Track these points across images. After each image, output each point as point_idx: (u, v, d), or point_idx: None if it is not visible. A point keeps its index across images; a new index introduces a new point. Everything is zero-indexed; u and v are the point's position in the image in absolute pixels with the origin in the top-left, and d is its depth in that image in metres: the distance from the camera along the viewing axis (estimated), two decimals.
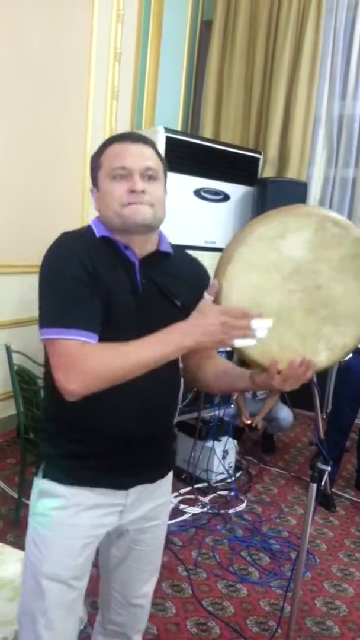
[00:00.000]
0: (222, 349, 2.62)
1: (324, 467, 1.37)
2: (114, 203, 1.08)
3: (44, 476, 1.15)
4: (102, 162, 1.11)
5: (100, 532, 1.18)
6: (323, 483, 1.40)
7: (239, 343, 1.01)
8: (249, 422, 3.29)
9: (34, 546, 1.15)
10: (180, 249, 1.24)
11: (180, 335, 1.01)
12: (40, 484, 1.15)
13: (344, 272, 1.09)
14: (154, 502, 1.24)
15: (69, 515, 1.12)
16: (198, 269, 1.26)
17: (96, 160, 1.14)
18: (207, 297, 1.04)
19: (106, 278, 1.07)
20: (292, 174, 4.02)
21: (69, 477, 1.12)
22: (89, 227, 1.15)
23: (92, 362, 1.00)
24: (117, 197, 1.07)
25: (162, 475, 1.25)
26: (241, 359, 1.12)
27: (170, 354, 1.02)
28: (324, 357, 1.12)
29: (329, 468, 1.36)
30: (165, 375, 1.15)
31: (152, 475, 1.21)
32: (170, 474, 1.30)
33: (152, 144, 1.13)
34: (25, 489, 2.52)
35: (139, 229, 1.09)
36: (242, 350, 1.06)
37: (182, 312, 1.06)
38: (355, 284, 1.10)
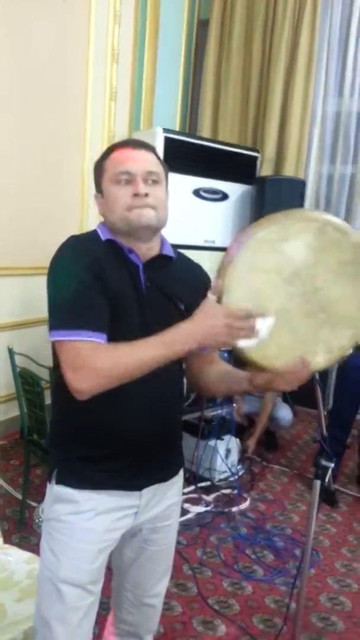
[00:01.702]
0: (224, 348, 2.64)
1: (327, 463, 1.38)
2: (118, 207, 1.10)
3: (57, 482, 1.15)
4: (106, 167, 1.14)
5: (116, 536, 1.19)
6: (327, 480, 1.41)
7: (241, 344, 1.03)
8: (239, 419, 3.32)
9: (49, 552, 1.15)
10: (181, 253, 1.27)
11: (185, 335, 1.02)
12: (54, 489, 1.16)
13: (341, 275, 1.11)
14: (167, 502, 1.25)
15: (83, 520, 1.13)
16: (200, 272, 1.29)
17: (100, 166, 1.16)
18: (211, 296, 1.05)
19: (113, 280, 1.09)
20: (290, 171, 4.03)
21: (82, 482, 1.13)
22: (94, 232, 1.18)
23: (101, 362, 1.02)
24: (122, 201, 1.10)
25: (173, 474, 1.26)
26: (239, 361, 1.14)
27: (175, 354, 1.03)
28: (321, 358, 1.14)
29: (333, 465, 1.37)
30: (172, 375, 1.18)
31: (163, 475, 1.23)
32: (181, 474, 1.31)
33: (153, 150, 1.16)
34: (29, 490, 2.54)
35: (143, 232, 1.12)
36: (242, 352, 1.08)
37: (185, 315, 1.08)
38: (353, 287, 1.12)
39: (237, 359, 1.13)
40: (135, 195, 1.09)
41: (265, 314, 1.03)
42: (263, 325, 1.02)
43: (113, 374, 1.02)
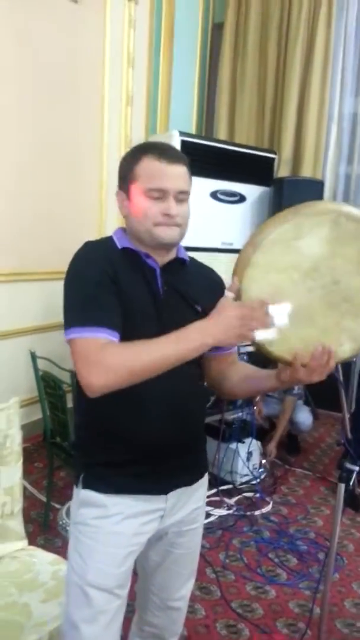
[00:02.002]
0: (243, 350, 2.63)
1: (352, 466, 1.36)
2: (146, 221, 1.11)
3: (85, 486, 1.16)
4: (138, 174, 1.12)
5: (142, 540, 1.19)
6: (351, 483, 1.39)
7: (259, 336, 1.01)
8: (260, 421, 3.31)
9: (77, 555, 1.16)
10: (193, 257, 1.27)
11: (200, 332, 1.02)
12: (81, 493, 1.17)
13: None
14: (192, 506, 1.25)
15: (111, 524, 1.13)
16: (214, 275, 1.29)
17: (130, 168, 1.14)
18: (228, 294, 1.05)
19: (127, 286, 1.10)
20: (307, 172, 4.01)
21: (109, 486, 1.14)
22: (110, 238, 1.19)
23: (114, 358, 1.01)
24: (151, 216, 1.11)
25: (198, 478, 1.26)
26: (263, 358, 1.14)
27: (190, 352, 1.02)
28: (347, 347, 1.14)
29: (357, 468, 1.36)
30: (192, 379, 1.18)
31: (189, 478, 1.23)
32: (206, 478, 1.31)
33: (185, 162, 1.14)
34: (53, 492, 2.56)
35: (164, 247, 1.14)
36: (264, 347, 1.07)
37: (202, 317, 1.08)
38: None
39: (261, 355, 1.13)
40: (166, 215, 1.10)
41: (279, 301, 1.01)
42: (278, 311, 1.00)
43: (125, 371, 1.01)
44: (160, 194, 1.10)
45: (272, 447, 3.29)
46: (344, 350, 1.13)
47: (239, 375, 1.26)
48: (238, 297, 1.05)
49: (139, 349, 1.02)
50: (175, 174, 1.11)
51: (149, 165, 1.11)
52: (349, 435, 1.36)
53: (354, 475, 1.36)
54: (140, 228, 1.12)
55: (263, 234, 1.07)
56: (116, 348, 1.03)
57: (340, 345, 1.12)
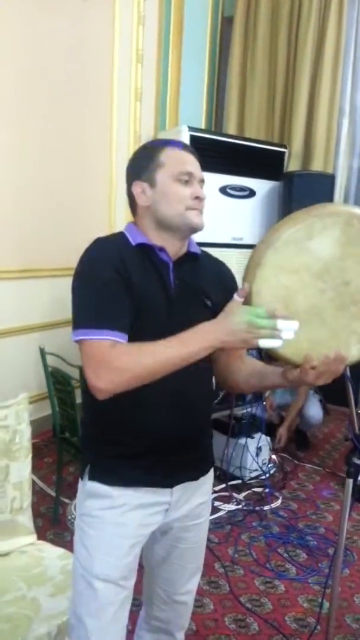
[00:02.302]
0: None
1: (359, 462, 1.35)
2: (179, 204, 1.14)
3: (90, 478, 1.17)
4: (163, 161, 1.15)
5: (147, 532, 1.20)
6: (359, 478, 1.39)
7: (263, 343, 1.02)
8: (271, 414, 3.30)
9: (82, 548, 1.17)
10: (205, 251, 1.28)
11: (206, 334, 1.03)
12: (87, 485, 1.17)
13: None
14: (197, 500, 1.25)
15: (116, 515, 1.14)
16: (225, 269, 1.30)
17: (151, 158, 1.17)
18: (237, 298, 1.06)
19: (139, 282, 1.10)
20: (318, 166, 3.97)
21: (115, 478, 1.15)
22: (122, 234, 1.19)
23: (121, 361, 1.02)
24: (184, 199, 1.14)
25: (204, 472, 1.27)
26: (271, 357, 1.14)
27: (196, 354, 1.03)
28: (355, 350, 1.14)
29: None
30: (200, 374, 1.18)
31: (194, 473, 1.23)
32: (212, 473, 1.31)
33: (198, 158, 1.20)
34: (62, 487, 2.58)
35: (190, 232, 1.17)
36: (273, 349, 1.07)
37: (212, 312, 1.09)
38: None
39: (269, 355, 1.13)
40: (197, 198, 1.14)
41: (289, 315, 1.02)
42: (286, 326, 1.01)
43: (133, 374, 1.02)
44: (188, 177, 1.14)
45: (282, 431, 3.28)
46: (352, 354, 1.14)
47: (247, 370, 1.26)
48: (247, 301, 1.06)
49: (147, 351, 1.03)
50: (196, 162, 1.18)
51: (173, 153, 1.16)
52: (357, 430, 1.35)
53: None
54: (172, 212, 1.14)
55: (275, 234, 1.07)
56: (125, 350, 1.04)
57: (348, 347, 1.12)
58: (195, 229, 1.16)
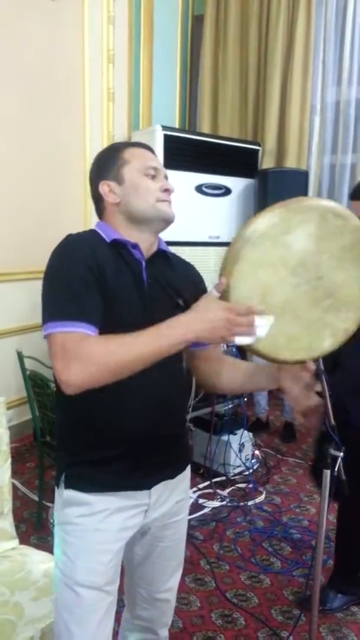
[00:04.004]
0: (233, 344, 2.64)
1: (336, 453, 1.37)
2: (150, 197, 1.16)
3: (67, 487, 1.15)
4: (128, 158, 1.18)
5: (128, 535, 1.19)
6: (337, 469, 1.40)
7: (238, 340, 1.02)
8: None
9: (63, 556, 1.15)
10: (172, 252, 1.28)
11: (182, 328, 1.01)
12: (64, 494, 1.15)
13: (344, 261, 1.11)
14: (175, 498, 1.25)
15: (96, 521, 1.13)
16: (193, 270, 1.32)
17: (116, 156, 1.19)
18: (214, 292, 1.05)
19: (112, 278, 1.09)
20: (291, 163, 4.01)
21: (91, 485, 1.13)
22: (94, 232, 1.18)
23: (92, 352, 0.99)
24: (154, 191, 1.16)
25: (181, 470, 1.26)
26: (245, 352, 1.16)
27: (171, 347, 1.01)
28: (328, 343, 1.16)
29: (342, 454, 1.36)
30: (174, 373, 1.18)
31: (171, 472, 1.23)
32: (189, 470, 1.31)
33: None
34: (45, 491, 2.56)
35: (163, 225, 1.18)
36: (250, 346, 1.08)
37: (185, 311, 1.08)
38: (355, 271, 1.13)
39: (244, 351, 1.14)
40: (166, 190, 1.17)
41: (265, 311, 1.02)
42: (262, 322, 1.01)
43: (105, 366, 0.99)
44: (155, 172, 1.18)
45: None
46: (325, 346, 1.15)
47: (231, 373, 1.27)
48: (223, 296, 1.05)
49: (118, 342, 1.01)
50: (157, 159, 1.22)
51: (135, 151, 1.20)
52: (332, 421, 1.37)
53: (339, 461, 1.37)
54: (143, 205, 1.15)
55: (251, 228, 1.07)
56: (94, 342, 1.01)
57: (322, 340, 1.14)
58: (168, 220, 1.18)
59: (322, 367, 1.31)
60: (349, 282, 1.12)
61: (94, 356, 0.99)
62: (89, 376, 0.99)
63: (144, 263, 1.15)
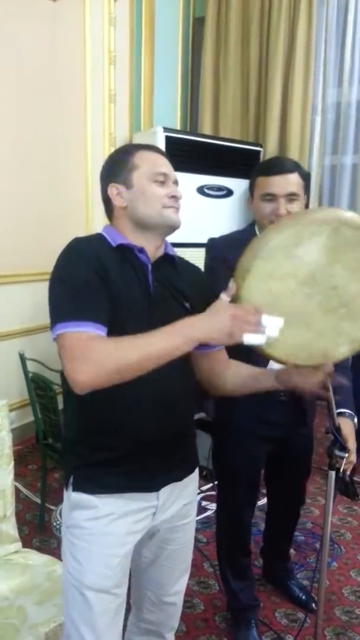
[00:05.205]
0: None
1: (341, 454, 1.35)
2: (157, 203, 1.15)
3: (74, 489, 1.15)
4: (138, 163, 1.18)
5: (136, 539, 1.18)
6: (342, 471, 1.39)
7: (247, 339, 1.02)
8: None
9: (72, 559, 1.15)
10: (179, 255, 1.28)
11: (189, 327, 1.02)
12: (71, 497, 1.16)
13: (358, 271, 1.13)
14: (183, 501, 1.25)
15: (103, 525, 1.13)
16: (201, 274, 1.33)
17: (127, 160, 1.19)
18: (225, 297, 1.06)
19: (117, 282, 1.10)
20: None
21: (99, 487, 1.13)
22: (100, 236, 1.19)
23: (101, 353, 1.00)
24: (161, 198, 1.16)
25: (188, 472, 1.26)
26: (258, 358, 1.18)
27: (179, 347, 1.01)
28: (345, 349, 1.20)
29: (346, 455, 1.35)
30: (181, 375, 1.18)
31: (179, 474, 1.23)
32: (197, 473, 1.31)
33: (169, 161, 1.23)
34: (48, 494, 2.55)
35: (168, 230, 1.18)
36: (262, 349, 1.11)
37: (190, 314, 1.08)
38: None
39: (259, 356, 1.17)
40: (173, 197, 1.17)
41: (274, 313, 1.03)
42: (271, 322, 1.02)
43: (113, 365, 0.99)
44: (164, 178, 1.17)
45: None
46: (342, 352, 1.19)
47: (236, 374, 1.28)
48: (234, 302, 1.07)
49: (127, 342, 1.01)
50: (169, 164, 1.21)
51: (146, 156, 1.19)
52: (337, 423, 1.36)
53: (344, 462, 1.36)
54: (150, 211, 1.15)
55: (264, 240, 1.09)
56: (104, 342, 1.02)
57: (337, 346, 1.18)
58: (174, 226, 1.18)
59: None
60: None
61: (104, 356, 0.99)
62: (98, 376, 0.99)
63: (150, 266, 1.16)
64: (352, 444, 1.50)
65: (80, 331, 1.01)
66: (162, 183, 1.17)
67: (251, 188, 1.67)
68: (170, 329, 1.01)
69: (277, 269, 1.08)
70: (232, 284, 1.07)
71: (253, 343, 1.03)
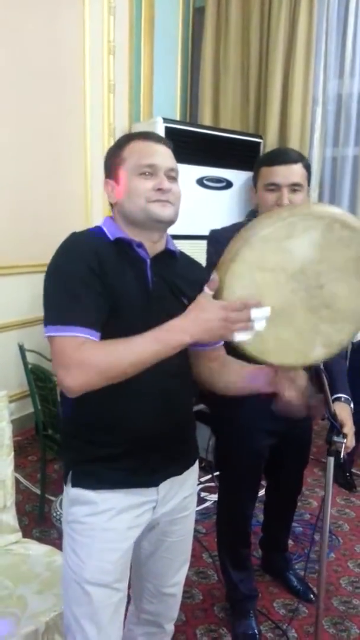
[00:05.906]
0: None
1: (339, 439, 1.35)
2: (139, 199, 1.10)
3: (74, 485, 1.14)
4: (125, 157, 1.13)
5: (136, 533, 1.18)
6: (342, 461, 1.39)
7: (238, 337, 1.01)
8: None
9: (72, 553, 1.15)
10: (181, 251, 1.27)
11: (180, 331, 1.01)
12: (70, 492, 1.15)
13: (346, 272, 1.09)
14: (183, 494, 1.25)
15: (103, 520, 1.12)
16: (200, 270, 1.29)
17: (116, 154, 1.15)
18: (207, 291, 1.03)
19: (115, 278, 1.08)
20: None
21: (98, 483, 1.12)
22: (99, 229, 1.17)
23: (91, 358, 1.00)
24: (144, 193, 1.10)
25: (188, 466, 1.26)
26: (236, 354, 1.15)
27: (169, 351, 1.01)
28: (320, 352, 1.15)
29: (345, 440, 1.35)
30: (180, 369, 1.17)
31: (179, 468, 1.23)
32: (197, 466, 1.31)
33: (170, 146, 1.17)
34: (47, 485, 2.56)
35: (159, 225, 1.13)
36: (239, 346, 1.07)
37: None
38: (357, 283, 1.10)
39: (235, 352, 1.13)
40: (159, 190, 1.10)
41: (260, 303, 1.00)
42: (259, 315, 1.00)
43: (104, 371, 1.00)
44: (151, 170, 1.11)
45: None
46: (316, 354, 1.14)
47: (232, 372, 1.26)
48: (217, 295, 1.03)
49: (118, 348, 1.01)
50: (163, 152, 1.14)
51: (136, 146, 1.14)
52: (333, 409, 1.35)
53: (343, 448, 1.35)
54: (133, 208, 1.11)
55: (254, 229, 1.04)
56: (94, 347, 1.01)
57: (313, 349, 1.13)
58: (161, 221, 1.12)
59: (322, 366, 1.30)
60: (349, 295, 1.11)
61: (93, 361, 1.00)
62: (88, 382, 1.00)
63: (148, 261, 1.14)
64: (348, 428, 1.51)
65: (70, 336, 1.01)
66: (150, 175, 1.11)
67: (255, 178, 1.66)
68: (162, 334, 1.00)
69: (265, 260, 1.04)
70: (214, 276, 1.03)
71: (243, 339, 1.02)
